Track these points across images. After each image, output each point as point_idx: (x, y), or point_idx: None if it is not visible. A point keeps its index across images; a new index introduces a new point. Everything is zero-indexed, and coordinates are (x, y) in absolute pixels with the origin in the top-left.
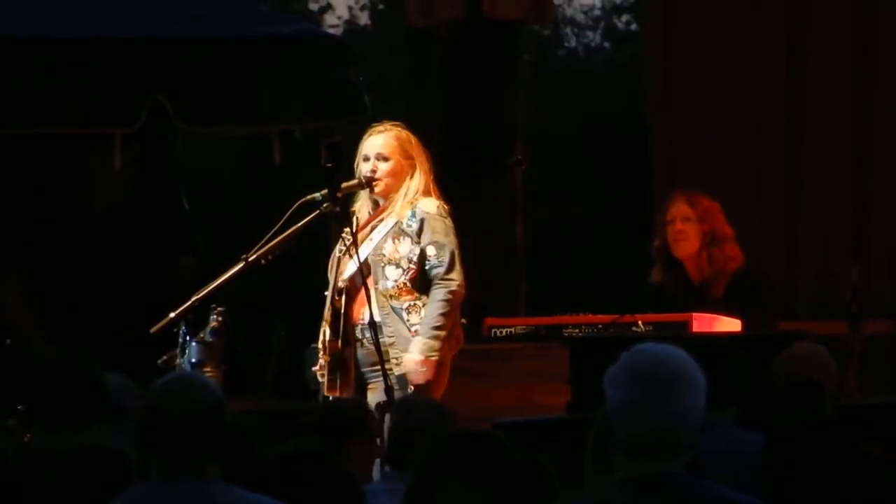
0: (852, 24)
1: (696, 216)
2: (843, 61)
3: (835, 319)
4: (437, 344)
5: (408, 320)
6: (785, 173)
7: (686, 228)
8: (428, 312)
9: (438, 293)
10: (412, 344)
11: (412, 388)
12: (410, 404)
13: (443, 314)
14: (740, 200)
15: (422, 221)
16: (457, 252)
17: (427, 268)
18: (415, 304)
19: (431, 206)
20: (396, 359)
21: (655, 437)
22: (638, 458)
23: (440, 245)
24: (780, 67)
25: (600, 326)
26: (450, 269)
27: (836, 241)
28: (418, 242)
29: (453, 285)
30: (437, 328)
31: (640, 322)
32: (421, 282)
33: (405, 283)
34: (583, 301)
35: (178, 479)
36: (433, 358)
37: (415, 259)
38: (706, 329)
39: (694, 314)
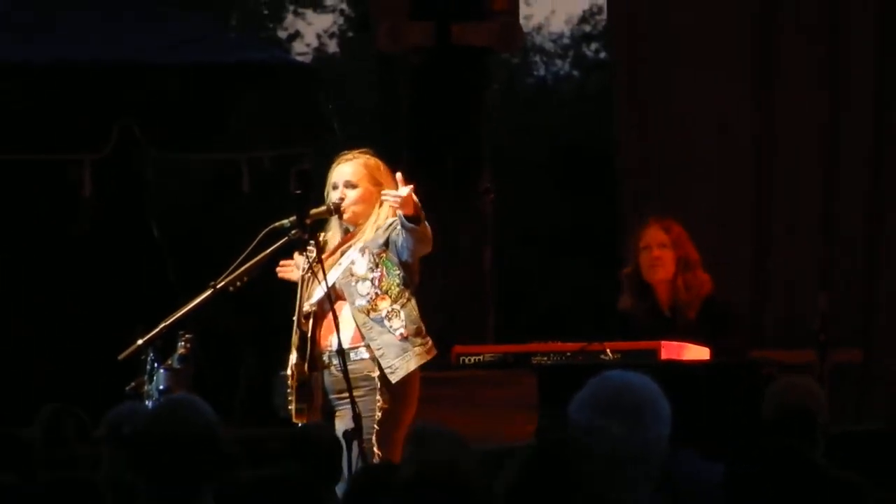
0: (821, 50)
1: (670, 242)
2: (812, 90)
3: (802, 348)
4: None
5: (391, 327)
6: (753, 201)
7: (662, 255)
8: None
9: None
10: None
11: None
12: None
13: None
14: (708, 228)
15: (390, 227)
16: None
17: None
18: (393, 309)
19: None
20: (389, 367)
21: (618, 464)
22: (604, 483)
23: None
24: (748, 96)
25: (569, 354)
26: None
27: (804, 269)
28: (385, 249)
29: (428, 232)
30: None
31: (608, 350)
32: (389, 281)
33: (377, 292)
34: (551, 328)
35: (169, 501)
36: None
37: (379, 263)
38: (675, 356)
39: (662, 342)
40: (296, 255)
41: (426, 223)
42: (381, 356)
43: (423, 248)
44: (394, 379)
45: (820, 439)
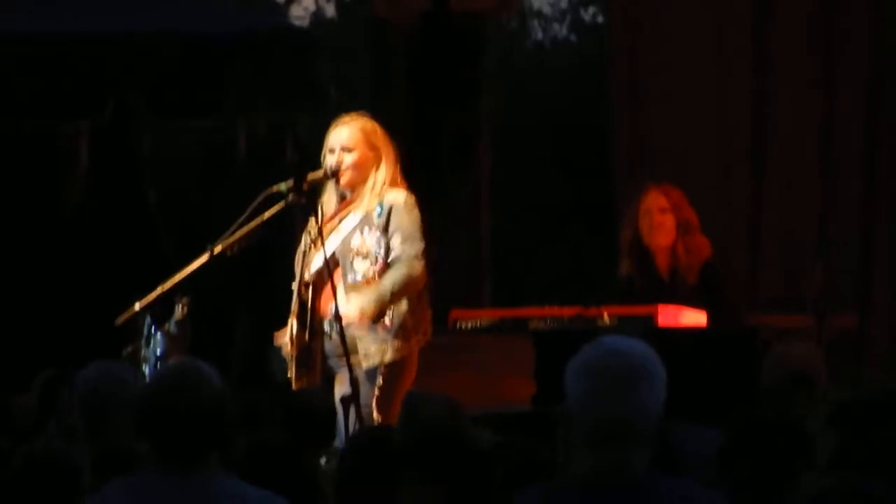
0: (818, 19)
1: (671, 206)
2: (809, 56)
3: (798, 313)
4: (375, 307)
5: None
6: (749, 168)
7: (663, 219)
8: (383, 279)
9: (397, 269)
10: (356, 297)
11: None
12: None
13: (395, 286)
14: (704, 194)
15: (389, 212)
16: (423, 243)
17: (390, 259)
18: None
19: (399, 197)
20: (365, 354)
21: (613, 430)
22: (596, 451)
23: (407, 233)
24: (746, 61)
25: (566, 319)
26: (409, 244)
27: (800, 235)
28: (386, 233)
29: (417, 268)
30: (382, 294)
31: (605, 314)
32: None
33: (374, 276)
34: (547, 295)
35: (177, 470)
36: (367, 315)
37: (382, 252)
38: (672, 321)
39: (659, 307)
40: (281, 334)
41: (400, 285)
42: (358, 338)
43: (414, 291)
44: (365, 364)
45: (820, 406)
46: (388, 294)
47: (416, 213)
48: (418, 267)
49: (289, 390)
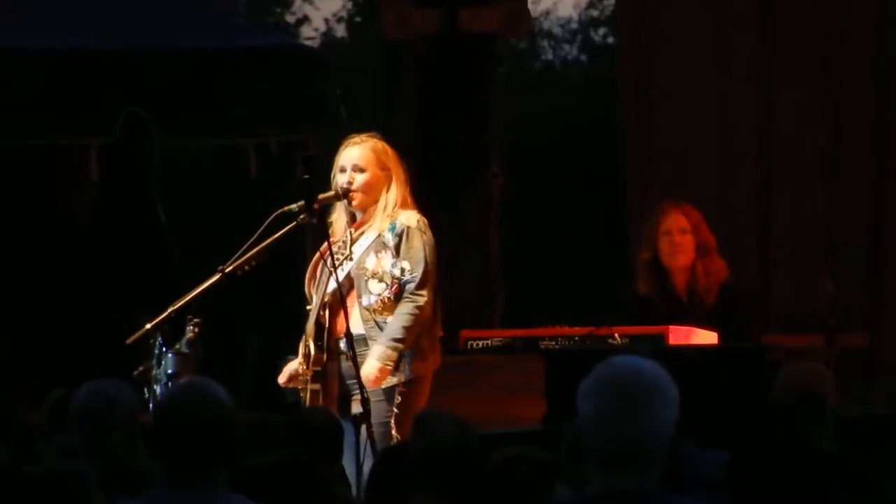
0: (822, 35)
1: (691, 227)
2: (813, 72)
3: (808, 332)
4: (393, 354)
5: None
6: (756, 186)
7: (683, 240)
8: (391, 323)
9: (405, 307)
10: (372, 351)
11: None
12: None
13: (405, 327)
14: (712, 212)
15: (401, 236)
16: (431, 269)
17: (401, 283)
18: None
19: (412, 220)
20: None
21: (625, 450)
22: (609, 471)
23: (415, 261)
24: (751, 80)
25: (576, 338)
26: (421, 285)
27: (809, 253)
28: (398, 256)
29: (421, 301)
30: (396, 339)
31: (616, 334)
32: (402, 297)
33: (388, 298)
34: (558, 313)
35: (185, 487)
36: (388, 366)
37: (397, 274)
38: (683, 341)
39: (671, 327)
40: (289, 365)
41: (409, 329)
42: None
43: (423, 323)
44: (383, 384)
45: (829, 424)
46: (401, 339)
47: (427, 235)
48: (423, 297)
49: (299, 409)
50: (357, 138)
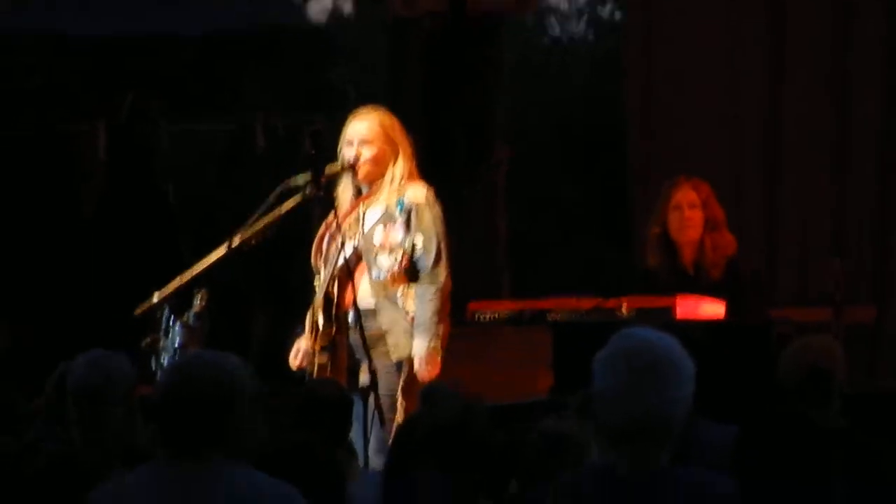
0: (831, 19)
1: (700, 202)
2: (822, 54)
3: (815, 306)
4: (437, 342)
5: (404, 307)
6: (764, 161)
7: (693, 215)
8: (420, 312)
9: (427, 292)
10: (415, 345)
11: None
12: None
13: (435, 312)
14: (720, 189)
15: (410, 210)
16: (443, 242)
17: (414, 259)
18: (409, 290)
19: (420, 194)
20: (395, 346)
21: (642, 426)
22: (624, 443)
23: (427, 236)
24: (760, 60)
25: (584, 311)
26: (436, 261)
27: (816, 228)
28: (408, 230)
29: (440, 280)
30: (431, 328)
31: (623, 306)
32: (412, 270)
33: (397, 271)
34: (564, 290)
35: (185, 458)
36: (437, 356)
37: (406, 248)
38: (690, 313)
39: (678, 297)
40: (297, 343)
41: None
42: (387, 332)
43: (447, 298)
44: (394, 356)
45: (836, 399)
46: (434, 323)
47: (436, 209)
48: (441, 275)
49: (306, 382)
50: (364, 111)
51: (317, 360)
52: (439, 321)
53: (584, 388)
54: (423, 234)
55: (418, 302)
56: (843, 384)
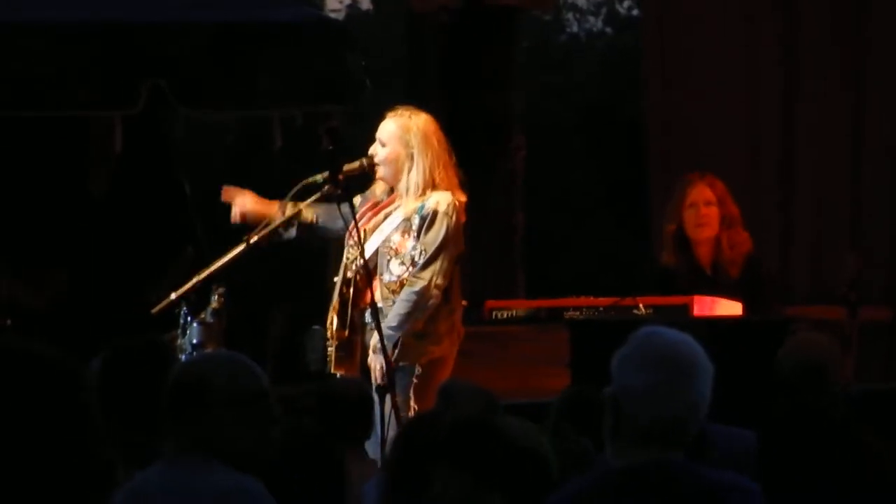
0: (847, 8)
1: (716, 199)
2: (839, 47)
3: (829, 305)
4: (393, 336)
5: None
6: (780, 159)
7: (709, 212)
8: (394, 308)
9: (404, 292)
10: (374, 336)
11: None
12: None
13: (406, 313)
14: (736, 186)
15: (426, 217)
16: (447, 252)
17: (415, 265)
18: None
19: (443, 202)
20: (402, 351)
21: (669, 425)
22: (646, 444)
23: (429, 244)
24: (776, 54)
25: (601, 309)
26: (425, 266)
27: (832, 227)
28: (419, 239)
29: (418, 285)
30: (390, 326)
31: (640, 305)
32: None
33: (406, 279)
34: (581, 286)
35: (191, 461)
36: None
37: (416, 257)
38: (707, 312)
39: (695, 297)
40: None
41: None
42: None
43: (424, 305)
44: (401, 363)
45: (833, 395)
46: (396, 325)
47: (453, 220)
48: (423, 280)
49: (323, 380)
50: (395, 112)
51: (334, 353)
52: (401, 325)
53: (578, 389)
54: (427, 239)
55: (398, 300)
56: (839, 381)
